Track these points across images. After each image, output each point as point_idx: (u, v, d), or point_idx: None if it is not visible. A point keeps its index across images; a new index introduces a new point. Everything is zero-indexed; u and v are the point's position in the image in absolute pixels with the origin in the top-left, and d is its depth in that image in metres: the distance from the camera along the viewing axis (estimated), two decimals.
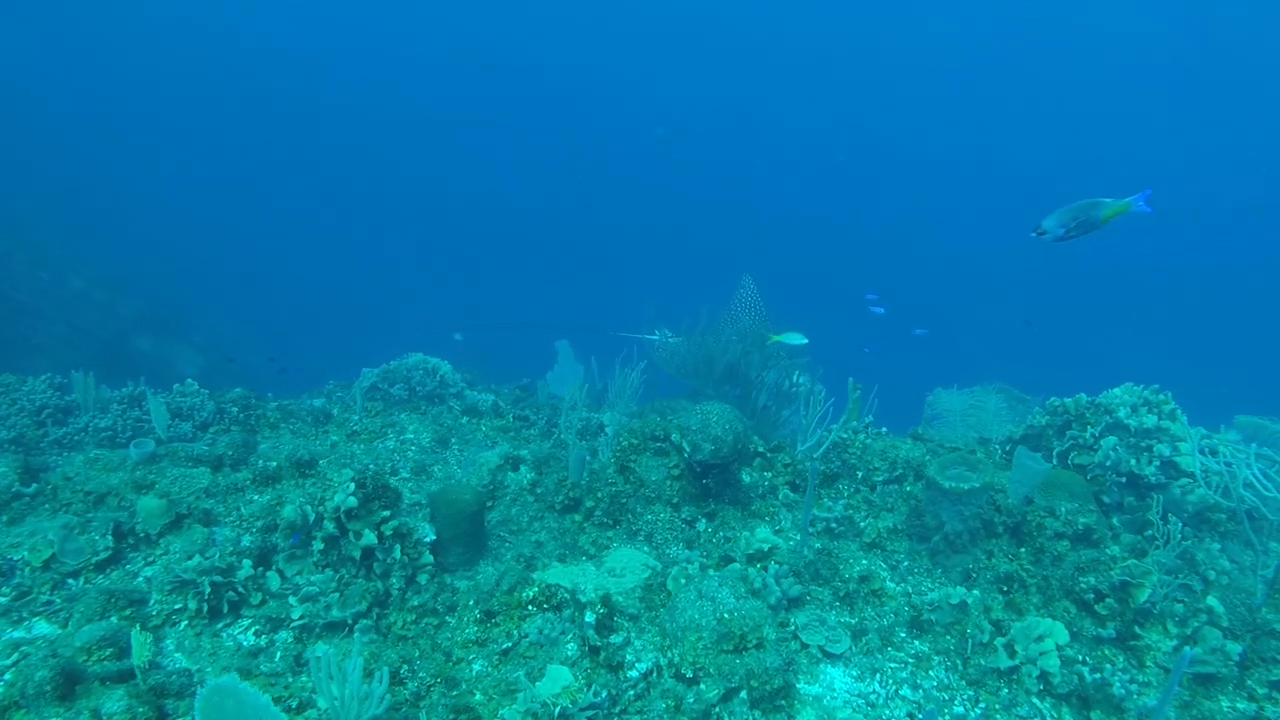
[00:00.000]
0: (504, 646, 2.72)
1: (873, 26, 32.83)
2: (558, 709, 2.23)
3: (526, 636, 2.74)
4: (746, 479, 3.99)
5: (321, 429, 5.12)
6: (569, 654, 2.65)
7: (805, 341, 5.73)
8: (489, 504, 4.11)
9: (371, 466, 4.35)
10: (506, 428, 5.33)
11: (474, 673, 2.63)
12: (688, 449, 3.48)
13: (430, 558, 3.41)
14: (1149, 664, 3.07)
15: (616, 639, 2.69)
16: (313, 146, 34.85)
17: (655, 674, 2.61)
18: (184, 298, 15.09)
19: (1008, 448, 4.31)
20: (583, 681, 2.41)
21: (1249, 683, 3.00)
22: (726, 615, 2.61)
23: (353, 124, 35.64)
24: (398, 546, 3.34)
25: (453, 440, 5.10)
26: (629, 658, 2.66)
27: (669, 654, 2.61)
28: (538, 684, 2.37)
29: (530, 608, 2.88)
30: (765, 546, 3.09)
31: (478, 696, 2.47)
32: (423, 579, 3.35)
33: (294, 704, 2.46)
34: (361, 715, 2.21)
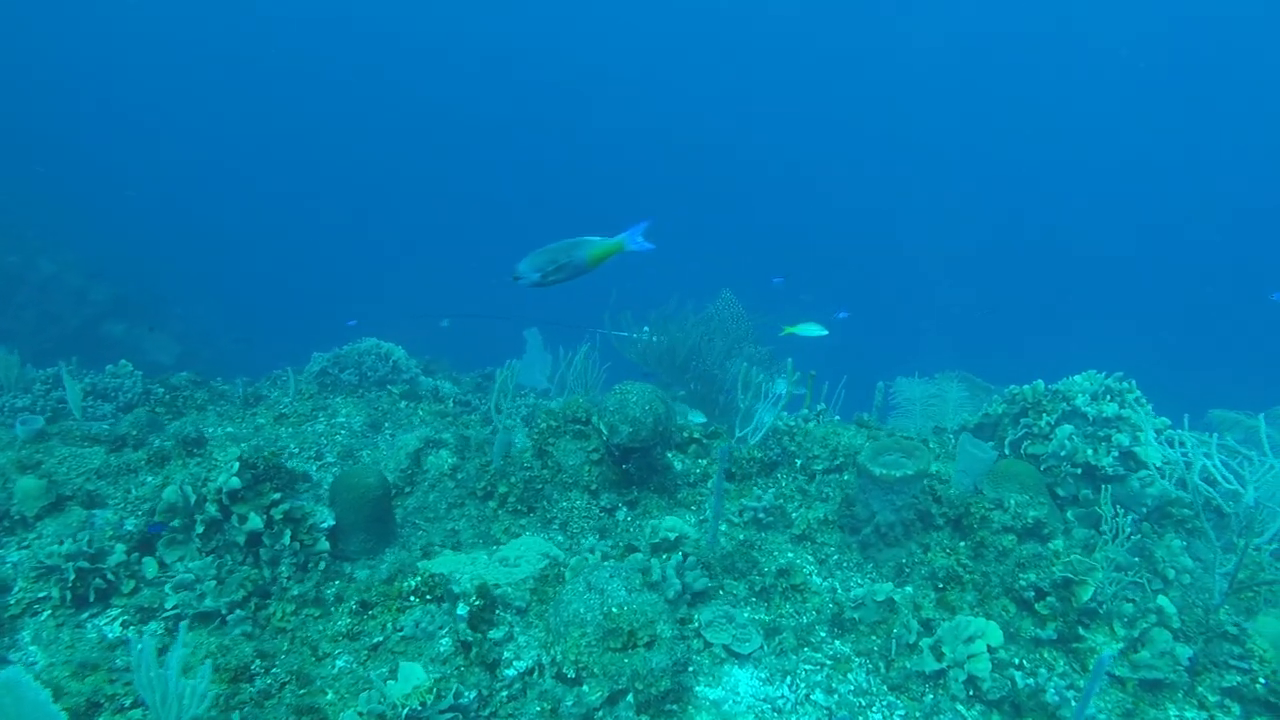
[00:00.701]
0: (375, 641, 2.49)
1: (861, 22, 32.63)
2: (405, 711, 2.00)
3: (401, 630, 2.50)
4: (679, 466, 3.75)
5: (250, 411, 4.88)
6: (442, 650, 2.41)
7: (824, 333, 5.41)
8: (407, 489, 3.87)
9: (275, 446, 4.11)
10: (445, 413, 5.09)
11: (336, 669, 2.39)
12: (605, 431, 3.24)
13: (326, 544, 3.16)
14: (1092, 668, 2.82)
15: (496, 634, 2.45)
16: (296, 134, 34.54)
17: (536, 673, 2.36)
18: (161, 283, 14.87)
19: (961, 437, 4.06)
20: (435, 681, 2.17)
21: (1200, 689, 2.76)
22: (615, 610, 2.36)
23: (339, 111, 35.34)
24: (288, 532, 3.10)
25: (386, 424, 4.86)
26: (507, 655, 2.42)
27: (552, 651, 2.36)
28: (389, 683, 2.13)
29: (412, 599, 2.64)
30: (672, 536, 2.84)
31: (329, 696, 2.23)
32: (319, 567, 3.12)
33: (127, 701, 2.22)
34: (181, 715, 1.97)
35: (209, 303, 16.08)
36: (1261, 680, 2.70)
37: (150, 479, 3.52)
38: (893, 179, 34.92)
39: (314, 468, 4.27)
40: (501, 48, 36.50)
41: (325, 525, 3.24)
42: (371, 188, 34.08)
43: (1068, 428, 3.71)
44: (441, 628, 2.50)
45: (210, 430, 4.57)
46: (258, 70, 33.98)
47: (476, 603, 2.45)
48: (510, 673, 2.36)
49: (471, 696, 2.22)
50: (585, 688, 2.28)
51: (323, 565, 3.09)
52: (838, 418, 4.58)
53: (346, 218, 31.37)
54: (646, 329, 6.91)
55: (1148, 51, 30.39)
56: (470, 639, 2.36)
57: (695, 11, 33.53)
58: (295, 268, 24.66)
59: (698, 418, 4.33)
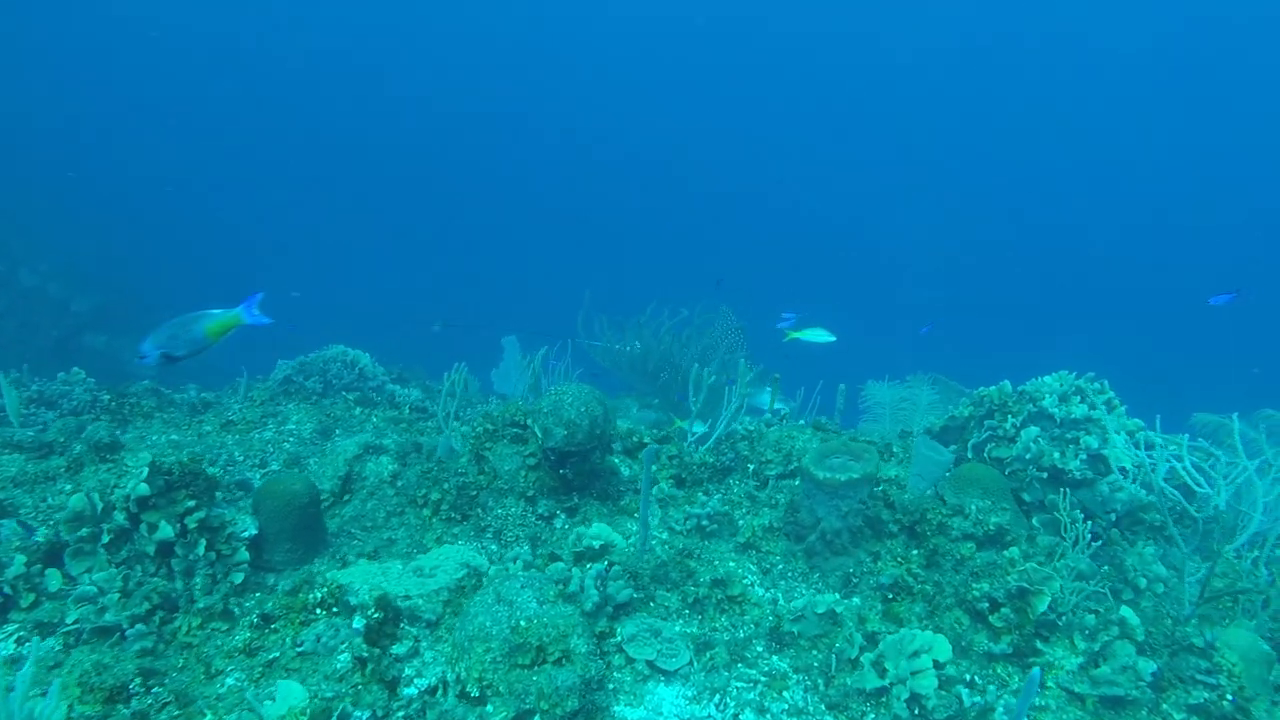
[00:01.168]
0: (272, 656, 2.32)
1: (850, 28, 32.82)
2: None
3: (300, 645, 2.33)
4: (626, 472, 3.58)
5: (197, 418, 4.73)
6: (339, 666, 2.24)
7: (833, 339, 5.16)
8: (345, 497, 3.71)
9: (215, 453, 3.96)
10: (400, 419, 4.94)
11: (225, 688, 2.22)
12: (539, 434, 3.08)
13: (246, 555, 3.00)
14: (1050, 684, 2.64)
15: (399, 649, 2.28)
16: (286, 138, 34.54)
17: (440, 692, 2.19)
18: (145, 291, 14.74)
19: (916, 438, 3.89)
20: (319, 701, 2.00)
21: (1164, 706, 2.57)
22: (524, 623, 2.19)
23: (331, 113, 35.36)
24: (203, 541, 2.94)
25: (337, 431, 4.70)
26: (409, 672, 2.25)
27: (456, 668, 2.19)
28: (265, 704, 1.96)
29: (318, 611, 2.47)
30: (597, 544, 2.67)
31: (208, 718, 2.06)
32: (236, 578, 2.95)
33: None
34: None
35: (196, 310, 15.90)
36: (1229, 696, 2.51)
37: (69, 487, 3.37)
38: (878, 182, 34.99)
39: (257, 475, 4.11)
40: (499, 47, 36.64)
41: (246, 534, 3.07)
42: (365, 191, 34.08)
43: (1033, 430, 3.54)
44: (344, 643, 2.33)
45: (154, 438, 4.43)
46: (249, 72, 34.04)
47: (375, 615, 2.29)
48: (410, 691, 2.19)
49: (363, 717, 2.05)
50: (489, 708, 2.11)
51: (238, 577, 2.92)
52: (802, 422, 4.42)
53: (339, 221, 31.30)
54: (637, 343, 6.76)
55: (1132, 50, 30.43)
56: (366, 654, 2.19)
57: (674, 15, 33.65)
58: (289, 272, 24.59)
59: (700, 427, 4.14)
